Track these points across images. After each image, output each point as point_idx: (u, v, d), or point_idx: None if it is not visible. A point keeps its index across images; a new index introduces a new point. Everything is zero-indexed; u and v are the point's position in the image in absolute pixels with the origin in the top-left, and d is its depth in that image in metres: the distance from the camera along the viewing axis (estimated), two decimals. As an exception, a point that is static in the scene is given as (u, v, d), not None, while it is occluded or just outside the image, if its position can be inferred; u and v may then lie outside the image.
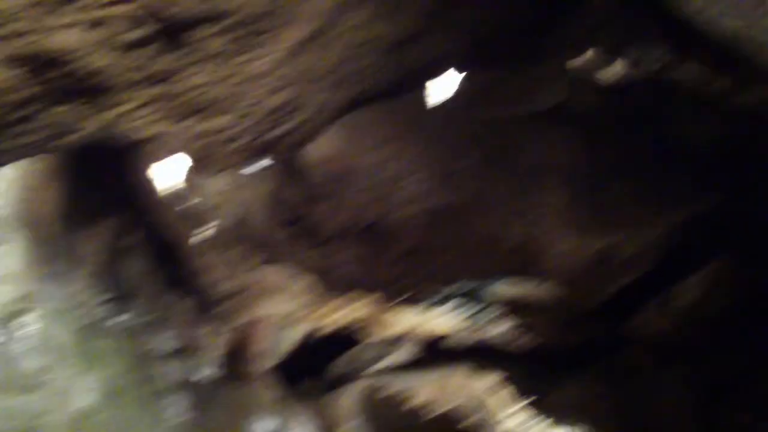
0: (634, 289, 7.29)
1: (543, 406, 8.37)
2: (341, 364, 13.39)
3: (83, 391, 6.68)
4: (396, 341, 12.58)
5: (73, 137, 4.40)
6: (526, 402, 8.46)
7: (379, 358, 12.28)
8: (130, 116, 4.33)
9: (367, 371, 11.05)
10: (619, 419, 7.94)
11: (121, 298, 8.73)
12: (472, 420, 11.23)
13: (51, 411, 6.22)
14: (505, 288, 7.22)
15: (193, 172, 7.19)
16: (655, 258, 7.20)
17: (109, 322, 8.29)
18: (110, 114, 4.22)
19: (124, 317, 8.61)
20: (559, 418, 8.27)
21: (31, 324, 6.42)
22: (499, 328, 7.76)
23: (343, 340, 11.81)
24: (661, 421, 7.55)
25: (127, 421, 7.19)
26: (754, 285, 6.94)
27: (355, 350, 13.08)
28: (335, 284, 7.15)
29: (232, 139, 5.09)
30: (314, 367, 13.67)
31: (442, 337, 9.18)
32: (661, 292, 7.29)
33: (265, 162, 6.34)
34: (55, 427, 6.24)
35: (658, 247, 7.21)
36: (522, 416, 8.99)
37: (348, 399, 13.68)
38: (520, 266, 6.99)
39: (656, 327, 7.37)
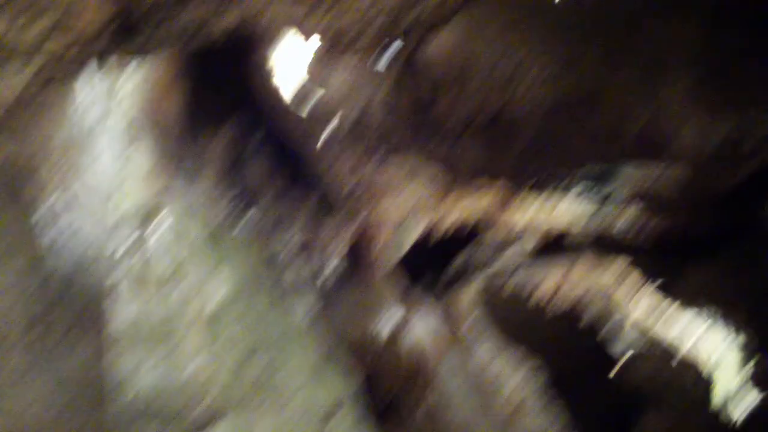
0: (765, 171, 7.00)
1: (670, 293, 8.25)
2: (464, 258, 13.46)
3: (216, 287, 6.86)
4: (519, 232, 12.55)
5: (212, 30, 4.41)
6: (652, 289, 8.34)
7: (502, 251, 12.27)
8: (270, 6, 4.30)
9: (490, 264, 11.04)
10: (748, 305, 7.79)
11: (246, 197, 8.88)
12: (598, 311, 11.18)
13: (187, 306, 6.43)
14: (631, 174, 7.03)
15: (319, 64, 7.16)
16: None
17: (236, 221, 8.46)
18: (247, 5, 4.21)
19: (250, 216, 8.77)
20: (687, 305, 8.15)
21: (164, 222, 6.58)
22: (625, 215, 7.60)
23: (467, 233, 11.82)
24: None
25: (259, 317, 7.37)
26: None
27: (478, 244, 13.12)
28: (458, 176, 7.09)
29: (361, 31, 5.02)
30: (437, 261, 13.80)
31: (566, 226, 9.07)
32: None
33: (390, 54, 6.26)
34: (192, 321, 6.44)
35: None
36: (649, 303, 8.89)
37: (471, 293, 13.80)
38: (646, 152, 6.77)
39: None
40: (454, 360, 12.93)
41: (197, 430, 6.22)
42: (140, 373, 6.03)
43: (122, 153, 6.64)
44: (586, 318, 11.50)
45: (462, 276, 13.51)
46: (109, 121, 6.44)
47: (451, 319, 13.35)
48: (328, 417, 7.35)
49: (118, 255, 6.29)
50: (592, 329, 12.29)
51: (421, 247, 12.83)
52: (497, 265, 11.05)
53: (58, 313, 4.47)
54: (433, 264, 13.68)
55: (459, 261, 13.63)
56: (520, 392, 14.39)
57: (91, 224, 5.90)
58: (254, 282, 7.74)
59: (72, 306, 4.67)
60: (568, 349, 14.18)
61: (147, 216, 6.56)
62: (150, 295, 6.32)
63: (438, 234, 11.57)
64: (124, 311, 6.12)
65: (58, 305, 4.47)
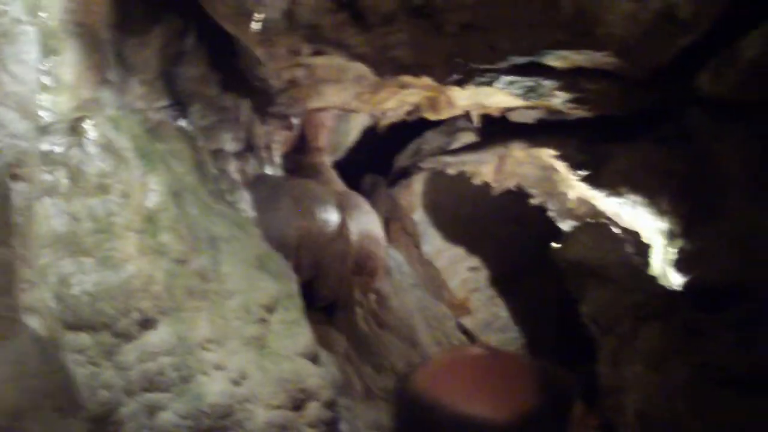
0: (694, 50, 7.02)
1: (598, 178, 8.39)
2: (407, 154, 13.61)
3: (148, 191, 6.92)
4: (456, 126, 12.67)
5: None
6: (581, 175, 8.48)
7: (444, 143, 12.42)
8: None
9: (433, 157, 11.15)
10: (670, 192, 7.96)
11: (179, 103, 8.86)
12: (536, 195, 11.38)
13: (121, 211, 6.50)
14: (558, 61, 7.06)
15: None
16: (717, 15, 6.85)
17: (169, 127, 8.46)
18: None
19: (183, 122, 8.77)
20: (614, 189, 8.30)
21: (91, 131, 6.59)
22: (553, 102, 7.66)
23: (406, 129, 11.93)
24: (722, 182, 7.54)
25: (192, 222, 7.46)
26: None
27: (419, 140, 13.26)
28: (387, 70, 7.08)
29: None
30: (378, 159, 13.93)
31: (499, 115, 9.14)
32: (723, 50, 7.03)
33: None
34: (128, 225, 6.53)
35: (719, 4, 6.86)
36: (579, 189, 9.05)
37: (417, 186, 14.01)
38: (574, 38, 6.78)
39: (717, 86, 7.19)
40: (402, 252, 13.19)
41: (132, 337, 6.38)
42: (74, 280, 6.14)
43: (46, 59, 6.60)
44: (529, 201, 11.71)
45: (406, 171, 13.68)
46: (31, 22, 6.35)
47: (396, 214, 13.56)
48: (268, 314, 7.53)
49: (47, 160, 6.33)
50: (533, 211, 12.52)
51: (361, 145, 12.94)
52: (438, 156, 11.15)
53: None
54: (374, 162, 13.83)
55: (404, 154, 13.77)
56: (466, 285, 14.76)
57: (19, 121, 5.90)
58: (189, 185, 7.79)
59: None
60: (514, 235, 14.51)
61: (72, 125, 6.56)
62: (85, 202, 6.39)
63: (378, 131, 11.65)
64: (57, 217, 6.20)
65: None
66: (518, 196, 12.05)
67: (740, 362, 6.84)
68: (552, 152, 8.73)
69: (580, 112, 7.86)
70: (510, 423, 1.28)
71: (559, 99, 7.63)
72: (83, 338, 6.11)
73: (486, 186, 11.05)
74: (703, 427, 6.73)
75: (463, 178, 12.14)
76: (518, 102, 8.04)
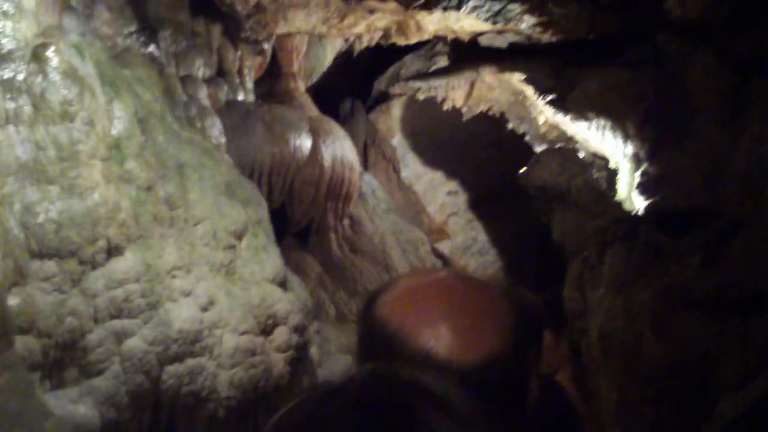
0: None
1: (564, 102, 8.35)
2: (386, 78, 13.54)
3: (113, 119, 6.89)
4: (436, 50, 12.56)
5: None
6: (548, 99, 8.44)
7: (423, 68, 12.34)
8: None
9: (409, 81, 11.05)
10: (644, 109, 7.94)
11: (149, 29, 8.77)
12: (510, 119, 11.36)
13: (86, 138, 6.47)
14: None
15: None
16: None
17: (137, 54, 8.40)
18: None
19: (153, 48, 8.69)
20: (581, 113, 8.28)
21: (54, 58, 6.52)
22: (521, 26, 7.60)
23: (389, 53, 11.85)
24: (690, 105, 7.52)
25: (162, 145, 7.44)
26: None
27: (399, 64, 13.19)
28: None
29: None
30: (358, 84, 13.85)
31: (469, 39, 9.05)
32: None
33: None
34: (93, 152, 6.51)
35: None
36: (548, 114, 9.03)
37: (396, 111, 13.97)
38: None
39: (686, 8, 7.13)
40: (381, 177, 13.21)
41: (99, 264, 6.42)
42: (39, 208, 6.15)
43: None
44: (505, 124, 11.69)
45: (387, 93, 13.62)
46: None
47: (377, 137, 13.55)
48: (236, 240, 7.59)
49: (9, 88, 6.28)
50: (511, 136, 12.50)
51: (335, 70, 12.84)
52: (413, 78, 11.07)
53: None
54: (358, 85, 13.75)
55: (383, 79, 13.69)
56: (444, 210, 14.81)
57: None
58: (156, 112, 7.76)
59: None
60: (493, 159, 14.51)
61: (35, 52, 6.49)
62: (49, 130, 6.36)
63: (352, 56, 11.56)
64: (20, 144, 6.18)
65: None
66: (496, 120, 12.00)
67: (704, 284, 6.88)
68: (521, 76, 8.68)
69: (548, 37, 7.81)
70: (474, 364, 1.14)
71: (526, 23, 7.58)
72: (49, 266, 6.15)
73: (458, 111, 11.00)
74: (664, 348, 6.82)
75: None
76: (487, 26, 7.97)
